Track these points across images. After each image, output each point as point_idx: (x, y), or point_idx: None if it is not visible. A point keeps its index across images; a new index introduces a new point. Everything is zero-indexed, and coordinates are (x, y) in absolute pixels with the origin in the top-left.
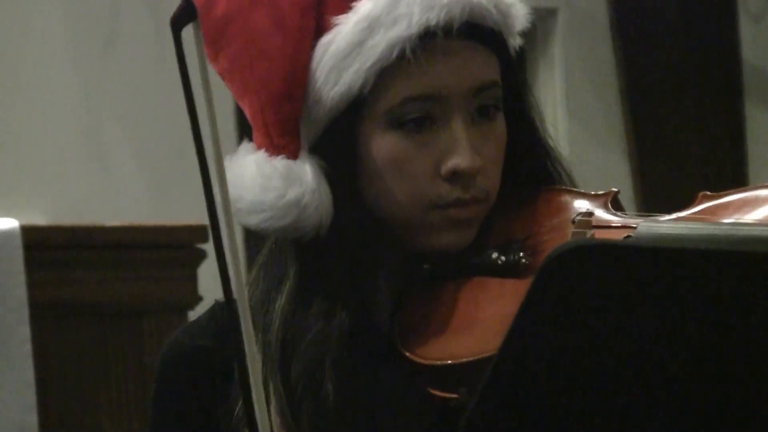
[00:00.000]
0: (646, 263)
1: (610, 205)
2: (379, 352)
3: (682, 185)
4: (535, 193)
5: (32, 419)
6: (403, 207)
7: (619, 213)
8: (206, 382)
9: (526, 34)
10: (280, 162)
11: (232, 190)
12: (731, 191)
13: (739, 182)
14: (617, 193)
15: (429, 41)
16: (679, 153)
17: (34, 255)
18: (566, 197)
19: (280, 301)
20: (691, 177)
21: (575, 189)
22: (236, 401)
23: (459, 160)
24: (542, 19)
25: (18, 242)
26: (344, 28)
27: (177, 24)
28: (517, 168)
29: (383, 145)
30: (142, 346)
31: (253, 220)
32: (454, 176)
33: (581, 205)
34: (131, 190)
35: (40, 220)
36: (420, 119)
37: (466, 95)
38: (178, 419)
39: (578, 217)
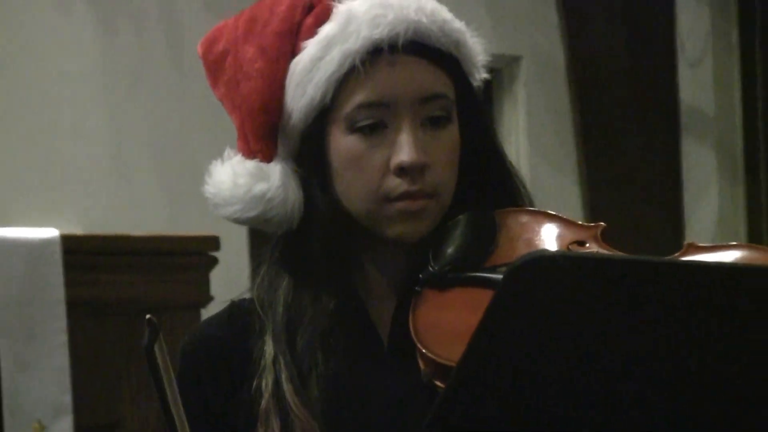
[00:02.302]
0: (597, 274)
1: (600, 239)
2: (368, 335)
3: (627, 209)
4: (531, 218)
5: (67, 399)
6: (362, 201)
7: (609, 248)
8: (223, 369)
9: (493, 76)
10: (251, 163)
11: (212, 189)
12: (714, 246)
13: (677, 205)
14: (605, 227)
15: (377, 55)
16: (624, 181)
17: (71, 259)
18: (561, 225)
19: (281, 289)
20: (635, 202)
21: (570, 219)
22: (251, 389)
23: (404, 156)
24: (508, 64)
25: (57, 248)
26: (309, 48)
27: (148, 347)
28: (483, 181)
29: (343, 147)
30: (165, 341)
31: (227, 212)
32: (402, 171)
33: (575, 234)
34: (153, 204)
35: (76, 229)
36: (373, 124)
37: (412, 103)
38: (197, 400)
39: (572, 245)
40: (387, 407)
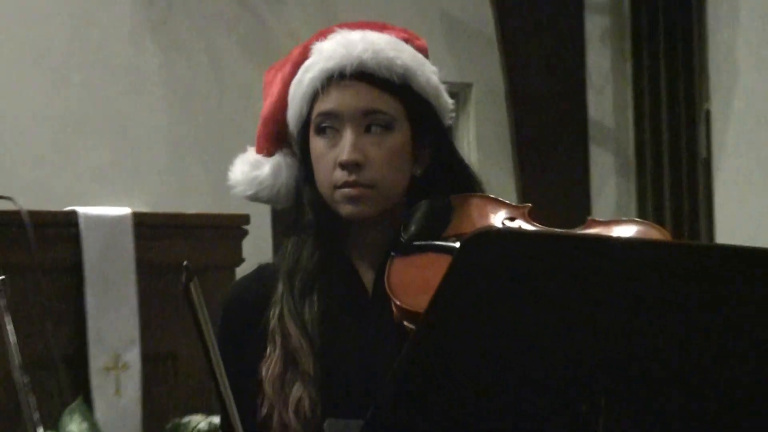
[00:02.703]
0: (537, 252)
1: (528, 217)
2: (348, 286)
3: (549, 197)
4: (479, 201)
5: (136, 334)
6: (323, 187)
7: (535, 223)
8: (252, 311)
9: (452, 97)
10: (254, 156)
11: (231, 174)
12: (609, 221)
13: (586, 195)
14: (531, 208)
15: (331, 80)
16: (547, 177)
17: (139, 231)
18: (501, 206)
19: (288, 249)
20: (554, 192)
21: (506, 201)
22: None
23: (343, 155)
24: (462, 90)
25: (129, 223)
26: (299, 75)
27: (185, 286)
28: (448, 176)
29: (313, 147)
30: (207, 290)
31: (236, 191)
32: (343, 166)
33: (511, 212)
34: (200, 189)
35: (143, 208)
36: (330, 129)
37: (354, 115)
38: (234, 352)
39: (505, 221)
40: (367, 340)
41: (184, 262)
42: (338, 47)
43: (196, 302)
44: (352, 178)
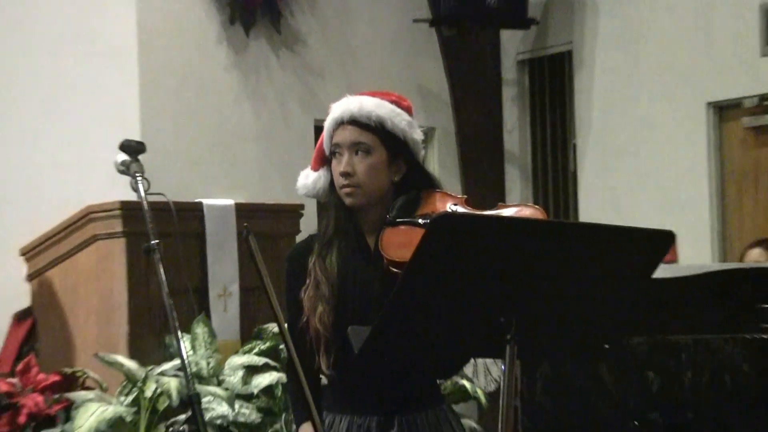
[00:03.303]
0: (474, 227)
1: (465, 203)
2: (357, 248)
3: (478, 196)
4: (437, 194)
5: (237, 275)
6: (336, 187)
7: (468, 208)
8: (303, 262)
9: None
10: (307, 171)
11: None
12: (508, 204)
13: (501, 198)
14: (467, 198)
15: (338, 124)
16: (478, 183)
17: (238, 214)
18: (449, 198)
19: (323, 225)
20: (483, 194)
21: (454, 195)
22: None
23: (340, 168)
24: (430, 131)
25: (233, 209)
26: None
27: (246, 238)
28: (419, 181)
29: (332, 163)
30: (278, 248)
31: (298, 192)
32: (342, 175)
33: (455, 201)
34: (276, 187)
35: (241, 200)
36: (338, 153)
37: (348, 145)
38: (293, 284)
39: (451, 206)
40: (368, 281)
41: (245, 224)
42: (340, 106)
43: (253, 248)
44: (346, 182)
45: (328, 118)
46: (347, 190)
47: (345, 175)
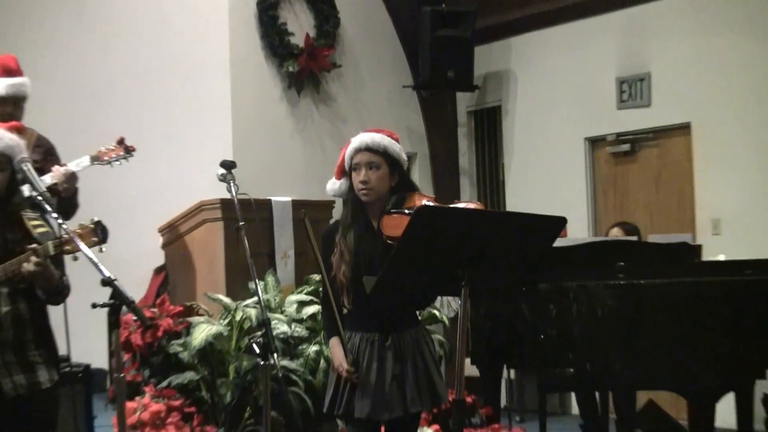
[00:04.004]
0: (441, 215)
1: (434, 200)
2: (367, 229)
3: (444, 199)
4: (417, 194)
5: (292, 244)
6: (356, 190)
7: (437, 202)
8: (331, 238)
9: (408, 159)
10: (334, 180)
11: (327, 186)
12: (461, 201)
13: (457, 198)
14: (435, 198)
15: (359, 150)
16: (444, 191)
17: (294, 206)
18: (425, 197)
19: (343, 215)
20: (446, 197)
21: (427, 195)
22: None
23: (361, 177)
24: (413, 155)
25: (290, 205)
26: (348, 150)
27: (303, 221)
28: (406, 186)
29: (354, 175)
30: (318, 229)
31: (328, 193)
32: (361, 182)
33: (428, 198)
34: (318, 188)
35: (294, 197)
36: (358, 169)
37: (366, 163)
38: (326, 252)
39: (426, 202)
40: (373, 250)
41: (303, 210)
42: (358, 139)
43: (308, 228)
44: (364, 187)
45: (349, 146)
46: (364, 192)
47: (364, 182)
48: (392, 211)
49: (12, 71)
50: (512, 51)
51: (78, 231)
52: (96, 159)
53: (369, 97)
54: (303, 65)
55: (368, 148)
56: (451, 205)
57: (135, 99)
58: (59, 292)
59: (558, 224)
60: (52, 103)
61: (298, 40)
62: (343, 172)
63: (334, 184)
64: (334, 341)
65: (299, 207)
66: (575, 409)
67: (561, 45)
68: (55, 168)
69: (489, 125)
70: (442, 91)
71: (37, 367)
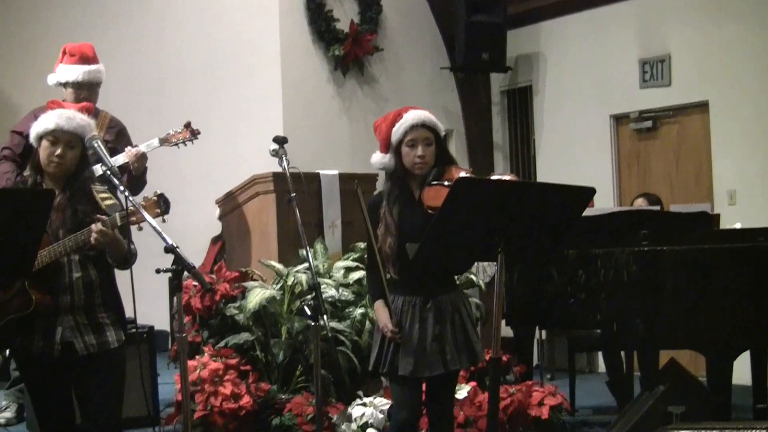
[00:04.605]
0: (478, 186)
1: (471, 173)
2: (409, 199)
3: (479, 172)
4: (454, 167)
5: (339, 215)
6: (409, 163)
7: (474, 175)
8: (377, 208)
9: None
10: (379, 153)
11: (372, 159)
12: (496, 173)
13: (490, 172)
14: (472, 171)
15: (413, 126)
16: (478, 167)
17: (340, 179)
18: (462, 170)
19: (386, 185)
20: (480, 171)
21: (465, 168)
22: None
23: (419, 152)
24: (449, 132)
25: (337, 177)
26: (398, 126)
27: (356, 192)
28: (445, 159)
29: (405, 150)
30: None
31: (374, 165)
32: (418, 157)
33: (466, 171)
34: (363, 161)
35: (341, 171)
36: (414, 145)
37: (421, 139)
38: (371, 215)
39: (463, 174)
40: (415, 219)
41: (355, 181)
42: (413, 117)
43: (361, 198)
44: (420, 162)
45: (400, 123)
46: (420, 166)
47: (421, 157)
48: (433, 182)
49: (89, 59)
50: (542, 35)
51: (143, 203)
52: (164, 141)
53: (409, 79)
54: (348, 49)
55: (424, 125)
56: (487, 177)
57: (194, 82)
58: (126, 259)
59: (587, 194)
60: (116, 87)
61: (343, 26)
62: (388, 147)
63: (383, 158)
64: (379, 304)
65: (346, 179)
66: (602, 367)
67: (587, 29)
68: (128, 149)
69: (520, 104)
70: (476, 72)
71: (106, 329)
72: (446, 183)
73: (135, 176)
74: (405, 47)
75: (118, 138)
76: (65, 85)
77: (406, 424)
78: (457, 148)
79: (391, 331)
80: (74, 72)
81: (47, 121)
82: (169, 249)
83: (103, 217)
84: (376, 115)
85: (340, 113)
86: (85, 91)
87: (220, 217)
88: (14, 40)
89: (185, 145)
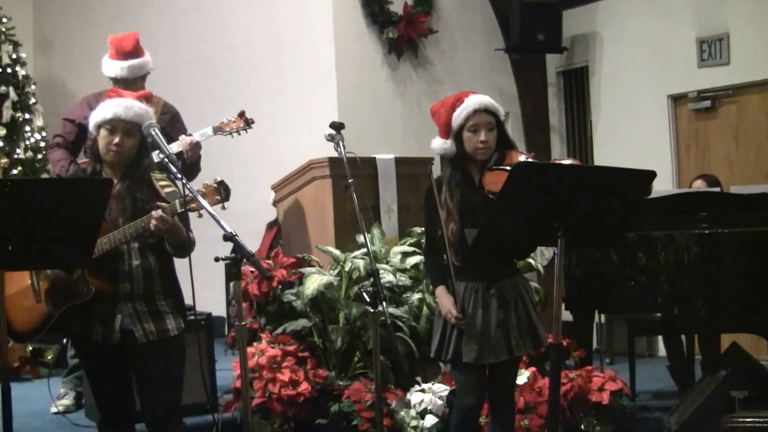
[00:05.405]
0: (538, 170)
1: (533, 157)
2: (469, 184)
3: (539, 156)
4: (514, 151)
5: (395, 199)
6: (471, 148)
7: (535, 160)
8: (437, 194)
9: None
10: (439, 138)
11: (432, 144)
12: (557, 158)
13: (548, 157)
14: (534, 155)
15: (476, 111)
16: (538, 150)
17: (397, 163)
18: (522, 154)
19: (445, 170)
20: (538, 155)
21: (525, 152)
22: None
23: (480, 138)
24: (505, 115)
25: (393, 162)
26: (459, 110)
27: (429, 176)
28: (505, 143)
29: (467, 135)
30: (417, 183)
31: (434, 151)
32: (481, 143)
33: (526, 155)
34: (422, 146)
35: (397, 154)
36: (476, 130)
37: (485, 124)
38: (431, 201)
39: (523, 158)
40: (476, 203)
41: (429, 165)
42: (475, 102)
43: (432, 180)
44: (484, 147)
45: (461, 108)
46: (483, 151)
47: (484, 142)
48: (493, 167)
49: (128, 53)
50: (598, 14)
51: (202, 190)
52: (218, 130)
53: (463, 61)
54: (402, 32)
55: (486, 110)
56: (547, 161)
57: (249, 68)
58: (185, 247)
59: (648, 178)
60: (174, 73)
61: (396, 8)
62: (449, 132)
63: (444, 143)
64: (441, 290)
65: (402, 163)
66: (662, 351)
67: (643, 8)
68: (182, 137)
69: (577, 85)
70: (532, 53)
71: (165, 316)
72: (507, 167)
73: (188, 164)
74: (459, 29)
75: (171, 123)
76: (110, 79)
77: (471, 410)
78: (512, 130)
79: (455, 317)
80: (114, 68)
81: (105, 110)
82: (228, 237)
83: (163, 204)
84: (431, 98)
85: (394, 96)
86: (131, 84)
87: (277, 202)
88: (68, 27)
89: (239, 134)
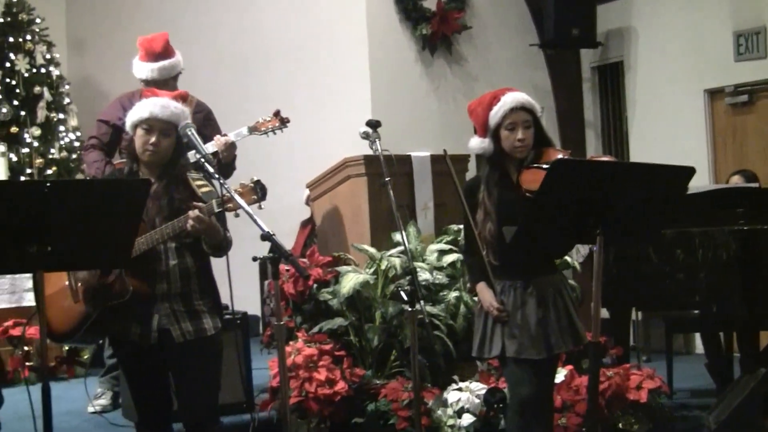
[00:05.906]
0: (576, 168)
1: (569, 154)
2: (506, 182)
3: (575, 153)
4: (551, 149)
5: (431, 196)
6: (508, 147)
7: (571, 156)
8: (473, 192)
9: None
10: (477, 137)
11: (470, 144)
12: (594, 156)
13: (583, 154)
14: (570, 152)
15: (513, 109)
16: (573, 147)
17: (432, 160)
18: (560, 151)
19: (483, 170)
20: (575, 151)
21: (563, 149)
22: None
23: (519, 136)
24: (542, 111)
25: (428, 159)
26: (495, 108)
27: (447, 167)
28: (543, 141)
29: (505, 133)
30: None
31: (472, 150)
32: (519, 140)
33: (563, 153)
34: (458, 144)
35: (432, 152)
36: (513, 128)
37: (522, 122)
38: (468, 199)
39: (559, 154)
40: (513, 201)
41: (444, 150)
42: (512, 100)
43: (450, 166)
44: (521, 145)
45: (497, 106)
46: (521, 149)
47: (521, 141)
48: (531, 165)
49: (157, 54)
50: (633, 8)
51: (239, 189)
52: (254, 129)
53: (497, 56)
54: (435, 28)
55: (523, 107)
56: (585, 158)
57: (283, 66)
58: (222, 247)
59: (687, 174)
60: (201, 70)
61: (430, 4)
62: (486, 131)
63: (482, 142)
64: (481, 285)
65: (437, 161)
66: (700, 348)
67: (679, 1)
68: (217, 137)
69: (612, 80)
70: (566, 48)
71: (202, 316)
72: (544, 165)
73: (223, 164)
74: (493, 24)
75: (205, 122)
76: (140, 81)
77: (529, 399)
78: (547, 126)
79: (497, 309)
80: (144, 70)
81: (142, 110)
82: (266, 237)
83: (200, 204)
84: (465, 94)
85: (429, 93)
86: (161, 85)
87: (312, 200)
88: (101, 27)
89: (274, 133)
